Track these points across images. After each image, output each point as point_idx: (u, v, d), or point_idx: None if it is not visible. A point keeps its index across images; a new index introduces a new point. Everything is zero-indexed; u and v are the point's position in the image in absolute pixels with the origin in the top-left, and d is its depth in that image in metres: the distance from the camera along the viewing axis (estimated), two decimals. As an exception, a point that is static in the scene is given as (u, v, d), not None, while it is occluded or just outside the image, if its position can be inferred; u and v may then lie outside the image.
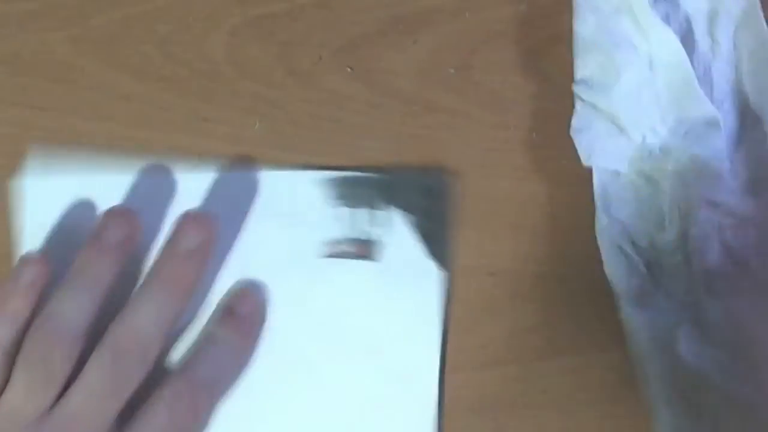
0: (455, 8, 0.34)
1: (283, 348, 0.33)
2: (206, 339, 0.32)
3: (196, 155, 0.34)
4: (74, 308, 0.30)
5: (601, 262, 0.33)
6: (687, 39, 0.33)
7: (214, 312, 0.33)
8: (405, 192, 0.33)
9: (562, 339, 0.34)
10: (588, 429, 0.34)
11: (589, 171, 0.33)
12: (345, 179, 0.34)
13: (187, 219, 0.32)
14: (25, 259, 0.31)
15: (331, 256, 0.33)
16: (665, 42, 0.31)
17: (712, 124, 0.32)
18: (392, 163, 0.34)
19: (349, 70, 0.35)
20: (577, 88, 0.32)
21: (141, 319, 0.30)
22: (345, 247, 0.33)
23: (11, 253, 0.33)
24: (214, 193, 0.34)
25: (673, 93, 0.32)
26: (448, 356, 0.34)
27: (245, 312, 0.33)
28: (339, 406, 0.33)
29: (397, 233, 0.33)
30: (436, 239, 0.33)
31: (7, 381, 0.30)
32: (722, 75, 0.33)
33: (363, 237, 0.33)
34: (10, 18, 0.34)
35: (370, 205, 0.33)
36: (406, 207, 0.33)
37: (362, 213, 0.33)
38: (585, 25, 0.32)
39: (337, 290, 0.33)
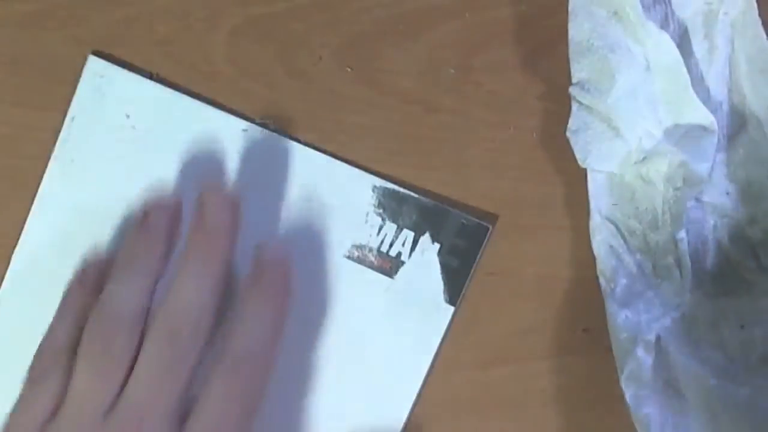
0: (455, 8, 0.34)
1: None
2: (240, 311, 0.31)
3: (196, 155, 0.34)
4: (130, 295, 0.30)
5: (600, 262, 0.33)
6: (684, 42, 0.33)
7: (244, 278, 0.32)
8: (445, 225, 0.33)
9: (562, 339, 0.34)
10: (588, 429, 0.34)
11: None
12: (394, 193, 0.34)
13: (212, 189, 0.32)
14: (92, 258, 0.32)
15: (352, 258, 0.34)
16: (661, 47, 0.31)
17: (707, 129, 0.32)
18: (445, 196, 0.34)
19: (349, 70, 0.35)
20: (573, 91, 0.32)
21: (187, 297, 0.30)
22: (369, 255, 0.33)
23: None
24: (262, 157, 0.34)
25: (668, 97, 0.32)
26: (448, 356, 0.34)
27: (273, 275, 0.32)
28: (315, 397, 0.34)
29: (421, 260, 0.33)
30: (455, 279, 0.33)
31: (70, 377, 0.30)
32: (719, 78, 0.33)
33: (388, 252, 0.33)
34: (10, 18, 0.34)
35: (408, 225, 0.33)
36: (440, 239, 0.33)
37: (397, 229, 0.33)
38: (580, 30, 0.32)
39: (346, 292, 0.34)
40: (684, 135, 0.32)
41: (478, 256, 0.33)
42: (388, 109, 0.34)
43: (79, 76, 0.34)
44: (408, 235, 0.34)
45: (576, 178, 0.34)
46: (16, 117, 0.34)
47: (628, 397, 0.31)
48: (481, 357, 0.34)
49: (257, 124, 0.34)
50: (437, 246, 0.33)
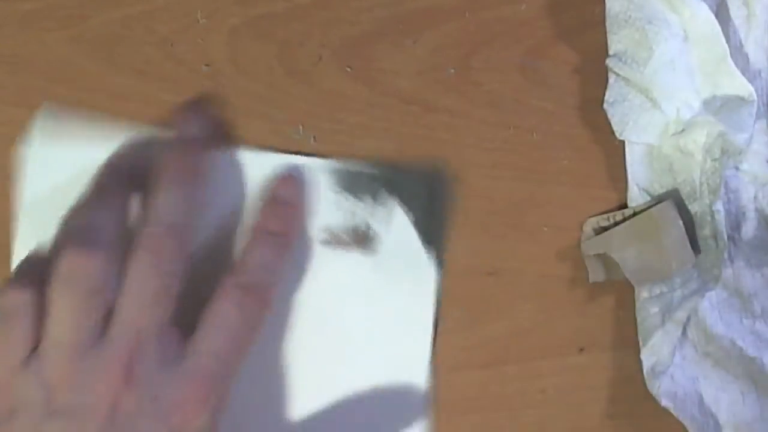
0: (455, 8, 0.34)
1: (274, 331, 0.33)
2: (254, 232, 0.32)
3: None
4: (102, 218, 0.29)
5: (601, 262, 0.33)
6: (721, 10, 0.33)
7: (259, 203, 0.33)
8: (406, 187, 0.33)
9: (562, 339, 0.34)
10: (588, 429, 0.34)
11: (621, 145, 0.34)
12: (349, 171, 0.34)
13: (188, 108, 0.32)
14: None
15: (327, 242, 0.33)
16: (698, 16, 0.31)
17: (745, 99, 0.31)
18: (394, 159, 0.34)
19: (349, 70, 0.35)
20: (610, 62, 0.32)
21: (166, 213, 0.30)
22: (342, 236, 0.33)
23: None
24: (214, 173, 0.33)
25: (706, 68, 0.32)
26: (448, 356, 0.34)
27: (288, 197, 0.33)
28: (329, 394, 0.33)
29: (395, 227, 0.33)
30: (433, 235, 0.33)
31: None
32: (758, 45, 0.33)
33: (361, 228, 0.33)
34: (10, 18, 0.34)
35: (371, 198, 0.34)
36: (406, 202, 0.33)
37: (362, 205, 0.33)
38: (617, 2, 0.32)
39: (330, 278, 0.33)
40: (722, 105, 0.32)
41: (447, 205, 0.33)
42: (388, 109, 0.34)
43: (80, 75, 0.34)
44: (377, 207, 0.33)
45: (575, 179, 0.34)
46: (16, 117, 0.34)
47: (645, 369, 0.31)
48: (481, 357, 0.34)
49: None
50: (407, 209, 0.33)
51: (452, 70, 0.35)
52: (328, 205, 0.34)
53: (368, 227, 0.33)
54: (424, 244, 0.33)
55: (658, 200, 0.33)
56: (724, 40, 0.31)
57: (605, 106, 0.33)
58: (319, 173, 0.34)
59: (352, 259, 0.33)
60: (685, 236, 0.31)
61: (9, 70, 0.34)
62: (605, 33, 0.34)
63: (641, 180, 0.33)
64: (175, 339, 0.29)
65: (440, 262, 0.33)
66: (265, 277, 0.31)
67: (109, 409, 0.27)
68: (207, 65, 0.34)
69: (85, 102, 0.34)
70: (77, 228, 0.29)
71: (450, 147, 0.34)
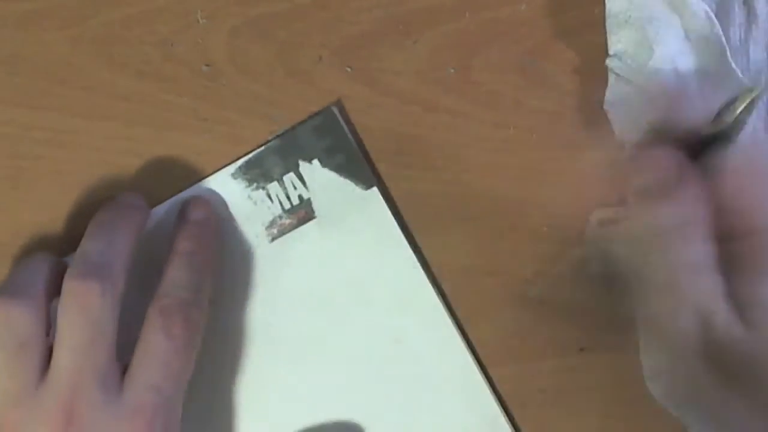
0: (455, 8, 0.34)
1: (282, 337, 0.34)
2: (170, 257, 0.32)
3: (196, 155, 0.34)
4: (28, 272, 0.30)
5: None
6: (722, 9, 0.33)
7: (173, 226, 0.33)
8: (304, 143, 0.34)
9: (561, 339, 0.34)
10: (587, 429, 0.34)
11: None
12: (248, 162, 0.34)
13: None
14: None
15: (276, 237, 0.34)
16: (698, 17, 0.31)
17: (745, 98, 0.31)
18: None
19: (348, 70, 0.35)
20: (610, 62, 0.32)
21: (92, 255, 0.30)
22: (283, 222, 0.34)
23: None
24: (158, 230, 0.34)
25: (707, 68, 0.32)
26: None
27: (198, 217, 0.33)
28: (361, 366, 0.34)
29: (317, 182, 0.34)
30: (353, 166, 0.34)
31: None
32: (759, 45, 0.33)
33: (293, 204, 0.34)
34: (10, 18, 0.34)
35: (283, 171, 0.34)
36: (311, 155, 0.34)
37: (280, 183, 0.34)
38: (617, 2, 0.32)
39: (300, 264, 0.34)
40: (723, 106, 0.32)
41: (349, 135, 0.34)
42: (388, 109, 0.34)
43: (79, 75, 0.34)
44: (290, 177, 0.34)
45: (575, 178, 0.34)
46: (16, 117, 0.34)
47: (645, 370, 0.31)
48: (481, 357, 0.34)
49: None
50: (316, 162, 0.34)
51: (452, 70, 0.35)
52: (254, 206, 0.34)
53: (298, 197, 0.34)
54: (347, 177, 0.34)
55: None
56: (724, 40, 0.31)
57: (605, 106, 0.33)
58: (226, 183, 0.34)
59: (304, 234, 0.34)
60: None
61: (9, 70, 0.34)
62: (605, 33, 0.33)
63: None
64: (116, 375, 0.29)
65: (371, 181, 0.34)
66: (186, 297, 0.31)
67: None
68: (207, 65, 0.34)
69: (85, 102, 0.34)
70: (3, 284, 0.30)
71: (450, 147, 0.34)
